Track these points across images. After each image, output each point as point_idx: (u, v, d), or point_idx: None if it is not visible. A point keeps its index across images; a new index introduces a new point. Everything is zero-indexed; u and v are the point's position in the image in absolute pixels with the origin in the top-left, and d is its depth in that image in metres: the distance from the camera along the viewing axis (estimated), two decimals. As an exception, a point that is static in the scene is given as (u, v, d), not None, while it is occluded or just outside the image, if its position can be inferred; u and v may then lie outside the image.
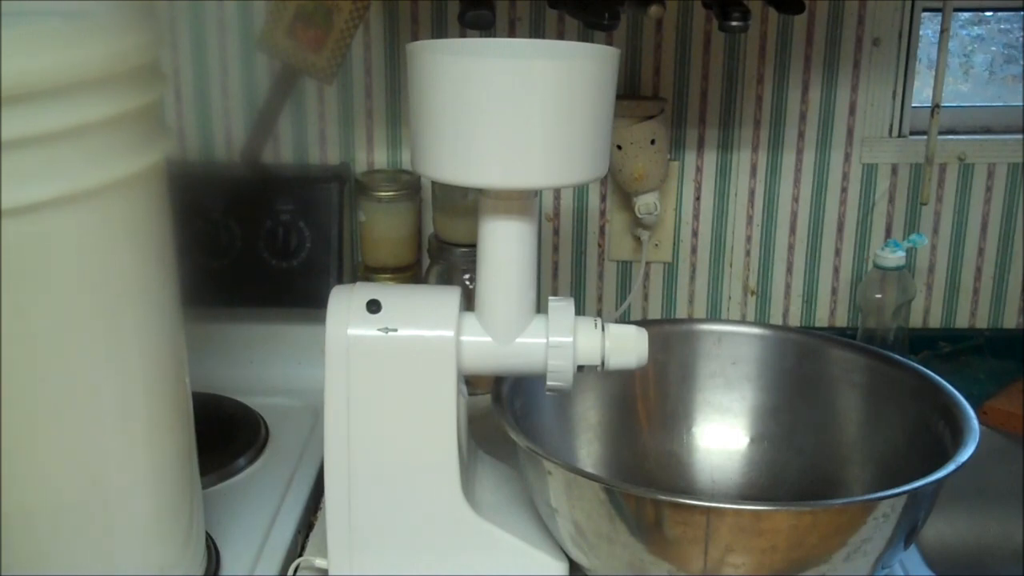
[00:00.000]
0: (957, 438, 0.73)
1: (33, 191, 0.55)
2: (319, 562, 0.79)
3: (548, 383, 0.75)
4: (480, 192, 0.73)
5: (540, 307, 0.77)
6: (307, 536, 0.86)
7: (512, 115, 0.67)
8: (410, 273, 1.15)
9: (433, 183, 1.12)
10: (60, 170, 0.56)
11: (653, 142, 1.11)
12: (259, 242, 1.09)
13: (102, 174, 0.59)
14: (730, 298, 1.23)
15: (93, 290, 0.60)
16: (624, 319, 1.21)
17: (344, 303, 0.74)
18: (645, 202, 1.13)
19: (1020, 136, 1.18)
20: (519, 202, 0.73)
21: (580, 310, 1.22)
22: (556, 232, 1.20)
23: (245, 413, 1.01)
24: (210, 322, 1.06)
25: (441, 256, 1.11)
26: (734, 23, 0.92)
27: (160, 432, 0.67)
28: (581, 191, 1.19)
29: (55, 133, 0.56)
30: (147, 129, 0.63)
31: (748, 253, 1.21)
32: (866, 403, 0.85)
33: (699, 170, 1.18)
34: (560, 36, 1.14)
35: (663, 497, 0.66)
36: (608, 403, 0.89)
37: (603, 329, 0.75)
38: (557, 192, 1.19)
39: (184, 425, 0.71)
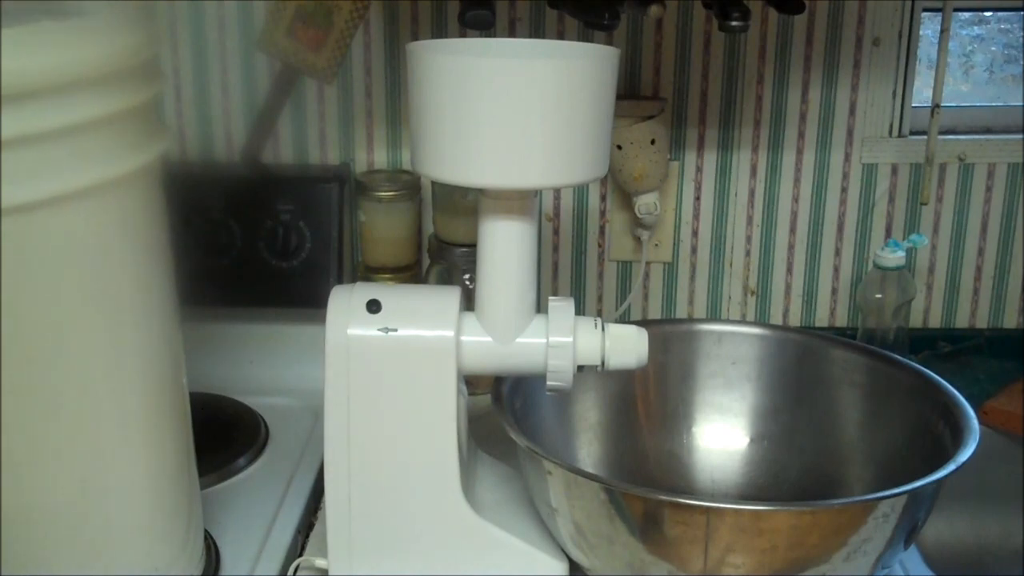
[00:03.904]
0: (957, 438, 0.73)
1: (28, 190, 0.55)
2: (319, 562, 0.78)
3: (548, 383, 0.75)
4: (480, 192, 0.73)
5: (540, 307, 0.77)
6: (307, 536, 0.86)
7: (512, 115, 0.67)
8: (410, 273, 1.15)
9: (433, 183, 1.12)
10: (55, 169, 0.56)
11: (653, 142, 1.11)
12: (259, 242, 1.09)
13: (97, 173, 0.58)
14: (730, 298, 1.23)
15: (89, 289, 0.60)
16: (624, 319, 1.21)
17: (344, 303, 0.74)
18: (645, 202, 1.13)
19: (1020, 136, 1.18)
20: (519, 202, 0.73)
21: (580, 310, 1.22)
22: (556, 232, 1.20)
23: (245, 413, 1.01)
24: (210, 322, 1.06)
25: (441, 256, 1.11)
26: (734, 23, 0.92)
27: (157, 431, 0.67)
28: (581, 191, 1.19)
29: (50, 132, 0.55)
30: (143, 127, 0.63)
31: (748, 253, 1.21)
32: (866, 403, 0.85)
33: (699, 170, 1.18)
34: (560, 36, 1.14)
35: (663, 497, 0.66)
36: (608, 403, 0.89)
37: (603, 329, 0.75)
38: (557, 192, 1.19)
39: (182, 425, 0.71)
